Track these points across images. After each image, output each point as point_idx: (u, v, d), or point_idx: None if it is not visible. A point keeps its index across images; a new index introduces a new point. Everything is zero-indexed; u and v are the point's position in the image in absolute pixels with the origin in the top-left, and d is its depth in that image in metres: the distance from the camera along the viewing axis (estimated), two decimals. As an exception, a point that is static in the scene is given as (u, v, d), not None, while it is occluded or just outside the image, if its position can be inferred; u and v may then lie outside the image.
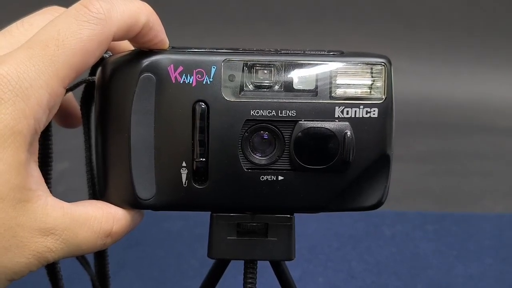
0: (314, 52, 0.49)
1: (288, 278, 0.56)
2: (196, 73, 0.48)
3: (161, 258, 0.92)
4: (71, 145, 1.56)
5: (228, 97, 0.48)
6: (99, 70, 0.49)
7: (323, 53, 0.49)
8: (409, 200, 1.30)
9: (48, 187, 0.53)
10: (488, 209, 1.26)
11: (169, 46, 0.50)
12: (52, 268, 0.54)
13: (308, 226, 1.00)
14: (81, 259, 0.58)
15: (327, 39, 2.32)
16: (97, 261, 0.61)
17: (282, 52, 0.49)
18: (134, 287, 0.83)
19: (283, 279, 0.56)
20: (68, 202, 1.12)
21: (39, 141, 0.52)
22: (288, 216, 0.50)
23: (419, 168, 1.54)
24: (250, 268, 0.52)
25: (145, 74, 0.47)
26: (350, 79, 0.49)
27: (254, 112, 0.48)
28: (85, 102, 0.54)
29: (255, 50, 0.50)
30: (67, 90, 0.51)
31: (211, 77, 0.48)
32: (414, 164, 1.59)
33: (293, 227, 0.51)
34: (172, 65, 0.48)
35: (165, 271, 0.88)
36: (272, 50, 0.50)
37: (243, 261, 0.52)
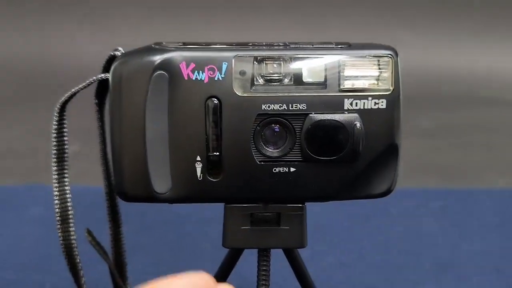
0: (321, 45, 0.51)
1: (300, 264, 0.58)
2: (208, 70, 0.49)
3: (173, 242, 0.94)
4: (81, 127, 1.58)
5: (240, 92, 0.49)
6: (112, 68, 0.50)
7: (331, 46, 0.51)
8: (413, 176, 1.32)
9: (65, 181, 0.55)
10: (493, 184, 1.27)
11: (180, 42, 0.52)
12: (71, 258, 0.56)
13: (316, 206, 1.01)
14: (99, 248, 0.60)
15: (329, 12, 2.31)
16: (114, 250, 0.63)
17: (291, 46, 0.51)
18: (149, 271, 0.85)
19: (295, 266, 0.58)
20: (80, 185, 1.12)
21: (55, 138, 0.53)
22: (300, 205, 0.52)
23: (423, 143, 1.55)
24: (263, 256, 0.54)
25: (158, 72, 0.49)
26: (358, 71, 0.50)
27: (266, 106, 0.49)
28: (99, 98, 0.56)
29: (264, 45, 0.51)
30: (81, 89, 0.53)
31: (223, 73, 0.49)
32: (417, 139, 1.60)
33: (305, 216, 0.52)
34: (184, 62, 0.49)
35: (178, 254, 0.90)
36: (281, 44, 0.51)
37: (256, 250, 0.54)
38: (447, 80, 2.15)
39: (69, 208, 0.54)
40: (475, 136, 1.65)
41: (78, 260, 0.55)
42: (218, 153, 0.50)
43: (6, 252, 0.90)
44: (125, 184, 0.51)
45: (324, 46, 0.51)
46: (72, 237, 0.54)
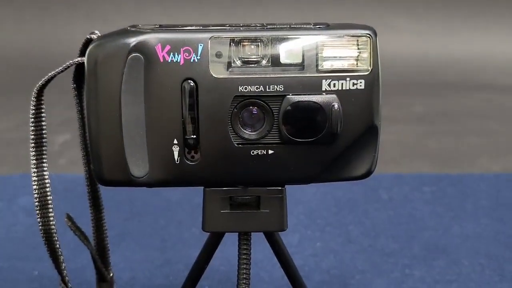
0: (300, 26, 0.50)
1: (282, 248, 0.58)
2: (184, 52, 0.48)
3: (162, 227, 0.94)
4: (70, 116, 1.57)
5: (216, 74, 0.49)
6: (88, 51, 0.49)
7: (309, 26, 0.50)
8: (406, 162, 1.31)
9: (43, 166, 0.54)
10: (486, 169, 1.27)
11: (156, 25, 0.51)
12: (51, 244, 0.55)
13: (305, 191, 1.01)
14: (80, 233, 0.60)
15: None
16: (96, 235, 0.62)
17: (268, 27, 0.50)
18: (136, 257, 0.85)
19: (277, 250, 0.58)
20: (72, 174, 1.12)
21: (32, 122, 0.53)
22: (279, 188, 0.51)
23: (417, 129, 1.55)
24: (244, 240, 0.53)
25: (133, 54, 0.48)
26: (336, 52, 0.49)
27: (243, 88, 0.49)
28: (76, 82, 0.55)
29: (241, 26, 0.50)
30: (58, 73, 0.52)
31: (199, 55, 0.49)
32: (411, 125, 1.59)
33: (285, 199, 0.52)
34: (159, 44, 0.48)
35: (166, 240, 0.90)
36: (258, 25, 0.50)
37: (237, 234, 0.53)
38: (441, 66, 2.15)
39: (48, 193, 0.54)
40: (469, 122, 1.64)
41: (57, 246, 0.55)
42: (195, 136, 0.49)
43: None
44: (103, 169, 0.50)
45: (302, 26, 0.50)
46: (51, 223, 0.54)
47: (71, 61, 0.52)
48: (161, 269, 0.82)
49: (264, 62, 0.49)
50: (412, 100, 1.82)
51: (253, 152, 0.50)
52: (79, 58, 0.52)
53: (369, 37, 0.49)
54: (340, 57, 0.49)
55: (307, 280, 0.70)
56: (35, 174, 0.54)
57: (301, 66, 0.49)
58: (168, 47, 0.48)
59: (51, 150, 1.33)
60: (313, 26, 0.50)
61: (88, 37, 0.52)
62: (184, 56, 0.48)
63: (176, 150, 0.49)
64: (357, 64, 0.49)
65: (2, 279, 0.80)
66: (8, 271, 0.82)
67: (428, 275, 0.81)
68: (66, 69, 0.53)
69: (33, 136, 0.54)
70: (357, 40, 0.49)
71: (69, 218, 0.58)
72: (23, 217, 0.98)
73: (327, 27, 0.50)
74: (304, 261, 0.85)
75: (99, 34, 0.52)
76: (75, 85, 0.55)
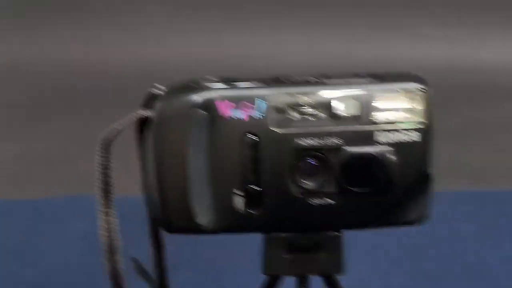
0: (354, 79, 0.52)
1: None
2: (245, 108, 0.51)
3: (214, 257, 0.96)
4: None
5: (276, 128, 0.51)
6: (155, 107, 0.52)
7: (362, 79, 0.52)
8: (445, 178, 1.32)
9: (111, 213, 0.57)
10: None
11: (216, 78, 0.54)
12: (118, 286, 0.58)
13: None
14: (146, 277, 0.62)
15: (351, 5, 2.31)
16: (157, 273, 0.65)
17: (323, 80, 0.52)
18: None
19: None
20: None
21: (100, 173, 0.56)
22: (337, 233, 0.54)
23: (453, 143, 1.55)
24: (302, 283, 0.56)
25: (197, 110, 0.51)
26: (389, 104, 0.52)
27: (302, 142, 0.51)
28: (139, 133, 0.58)
29: (298, 80, 0.53)
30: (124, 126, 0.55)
31: (260, 110, 0.51)
32: (447, 138, 1.59)
33: (342, 243, 0.54)
34: (222, 101, 0.51)
35: (219, 268, 0.92)
36: (313, 78, 0.53)
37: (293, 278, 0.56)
38: (475, 74, 2.14)
39: (116, 239, 0.57)
40: (506, 134, 1.64)
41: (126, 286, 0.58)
42: (257, 187, 0.52)
43: (53, 271, 0.93)
44: (169, 217, 0.53)
45: (356, 79, 0.52)
46: (119, 267, 0.57)
47: (135, 115, 0.55)
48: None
49: (321, 115, 0.51)
50: (446, 111, 1.82)
51: (312, 201, 0.52)
52: (143, 112, 0.55)
53: (423, 91, 0.51)
54: (393, 109, 0.51)
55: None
56: (104, 221, 0.57)
57: (356, 118, 0.51)
58: (230, 104, 0.51)
59: (93, 171, 1.38)
60: (366, 78, 0.52)
61: (151, 91, 0.55)
62: (246, 112, 0.51)
63: (239, 199, 0.52)
64: (410, 116, 0.51)
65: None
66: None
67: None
68: (130, 123, 0.55)
69: (100, 185, 0.57)
70: (411, 93, 0.51)
71: (135, 261, 0.61)
72: (76, 244, 1.01)
73: (381, 79, 0.52)
74: (350, 286, 0.87)
75: (162, 88, 0.54)
76: (138, 135, 0.58)
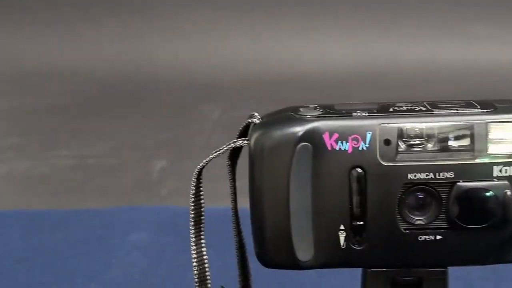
0: (466, 110, 0.49)
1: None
2: (352, 140, 0.49)
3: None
4: (163, 139, 1.59)
5: (384, 161, 0.49)
6: (254, 138, 0.50)
7: (476, 110, 0.49)
8: None
9: (202, 243, 0.56)
10: None
11: (316, 107, 0.51)
12: None
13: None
14: None
15: (401, 6, 2.26)
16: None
17: (434, 111, 0.50)
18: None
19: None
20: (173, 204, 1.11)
21: (193, 202, 0.54)
22: (443, 269, 0.51)
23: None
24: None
25: (302, 143, 0.49)
26: (505, 136, 0.49)
27: (411, 175, 0.49)
28: (232, 160, 0.56)
29: (406, 110, 0.50)
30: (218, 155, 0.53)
31: (367, 142, 0.49)
32: None
33: (448, 279, 0.52)
34: (327, 133, 0.49)
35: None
36: (423, 108, 0.50)
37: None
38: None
39: (207, 269, 0.56)
40: None
41: None
42: (362, 222, 0.49)
43: (116, 284, 0.92)
44: (268, 252, 0.51)
45: (469, 110, 0.49)
46: None
47: (232, 144, 0.53)
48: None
49: (431, 147, 0.49)
50: None
51: (420, 238, 0.50)
52: (239, 142, 0.53)
53: None
54: (510, 141, 0.49)
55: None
56: (195, 251, 0.55)
57: (470, 151, 0.49)
58: (336, 136, 0.49)
59: (148, 179, 1.36)
60: (480, 108, 0.49)
61: (249, 121, 0.52)
62: (352, 144, 0.49)
63: (342, 235, 0.50)
64: (527, 149, 0.48)
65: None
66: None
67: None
68: (226, 151, 0.54)
69: (192, 214, 0.55)
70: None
71: None
72: (137, 256, 1.00)
73: (495, 110, 0.49)
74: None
75: (259, 117, 0.52)
76: (229, 163, 0.56)
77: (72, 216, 1.15)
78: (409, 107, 0.50)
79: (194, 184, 0.55)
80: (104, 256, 1.01)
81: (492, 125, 0.48)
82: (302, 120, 0.49)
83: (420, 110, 0.50)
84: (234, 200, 0.58)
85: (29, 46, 2.19)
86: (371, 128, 0.49)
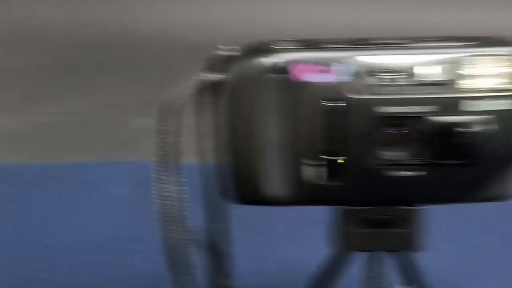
0: (446, 43, 0.48)
1: (417, 271, 0.56)
2: (323, 72, 0.47)
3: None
4: (146, 98, 1.56)
5: (357, 94, 0.47)
6: (228, 71, 0.48)
7: (456, 43, 0.48)
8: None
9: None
10: None
11: (289, 40, 0.49)
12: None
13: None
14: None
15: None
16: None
17: (412, 44, 0.48)
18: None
19: (411, 272, 0.56)
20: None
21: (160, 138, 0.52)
22: (418, 208, 0.50)
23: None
24: (374, 260, 0.52)
25: (271, 74, 0.47)
26: (485, 70, 0.47)
27: (385, 109, 0.47)
28: (213, 98, 0.54)
29: (382, 43, 0.48)
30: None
31: (338, 75, 0.47)
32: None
33: (424, 219, 0.51)
34: (298, 64, 0.47)
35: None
36: (400, 41, 0.48)
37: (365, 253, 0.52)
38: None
39: (173, 208, 0.53)
40: None
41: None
42: (337, 158, 0.48)
43: (91, 234, 0.91)
44: (238, 187, 0.50)
45: (449, 43, 0.48)
46: (175, 237, 0.53)
47: (208, 78, 0.50)
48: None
49: (410, 81, 0.47)
50: None
51: (395, 174, 0.48)
52: (215, 76, 0.50)
53: None
54: (489, 75, 0.47)
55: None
56: (160, 189, 0.53)
57: (446, 85, 0.47)
58: (306, 67, 0.47)
59: (130, 135, 1.34)
60: (461, 42, 0.48)
61: (219, 53, 0.50)
62: (325, 76, 0.47)
63: (316, 171, 0.48)
64: (507, 83, 0.47)
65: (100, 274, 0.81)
66: (105, 264, 0.83)
67: None
68: (196, 86, 0.51)
69: (158, 153, 0.53)
70: (509, 58, 0.47)
71: (193, 232, 0.58)
72: (117, 209, 0.99)
73: (477, 43, 0.48)
74: (440, 280, 0.81)
75: (236, 48, 0.50)
76: (211, 100, 0.54)
77: (51, 170, 1.13)
78: (385, 41, 0.49)
79: (158, 120, 0.52)
80: (84, 208, 1.00)
81: (469, 59, 0.47)
82: (273, 52, 0.48)
83: (395, 44, 0.48)
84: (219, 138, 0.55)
85: (16, 7, 2.16)
86: (345, 60, 0.47)
